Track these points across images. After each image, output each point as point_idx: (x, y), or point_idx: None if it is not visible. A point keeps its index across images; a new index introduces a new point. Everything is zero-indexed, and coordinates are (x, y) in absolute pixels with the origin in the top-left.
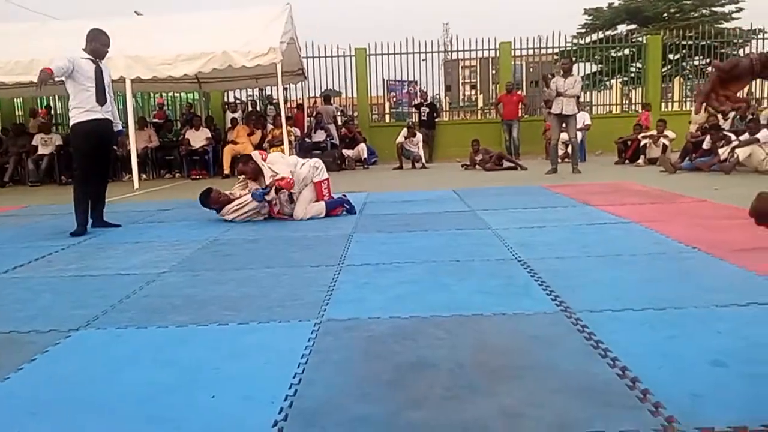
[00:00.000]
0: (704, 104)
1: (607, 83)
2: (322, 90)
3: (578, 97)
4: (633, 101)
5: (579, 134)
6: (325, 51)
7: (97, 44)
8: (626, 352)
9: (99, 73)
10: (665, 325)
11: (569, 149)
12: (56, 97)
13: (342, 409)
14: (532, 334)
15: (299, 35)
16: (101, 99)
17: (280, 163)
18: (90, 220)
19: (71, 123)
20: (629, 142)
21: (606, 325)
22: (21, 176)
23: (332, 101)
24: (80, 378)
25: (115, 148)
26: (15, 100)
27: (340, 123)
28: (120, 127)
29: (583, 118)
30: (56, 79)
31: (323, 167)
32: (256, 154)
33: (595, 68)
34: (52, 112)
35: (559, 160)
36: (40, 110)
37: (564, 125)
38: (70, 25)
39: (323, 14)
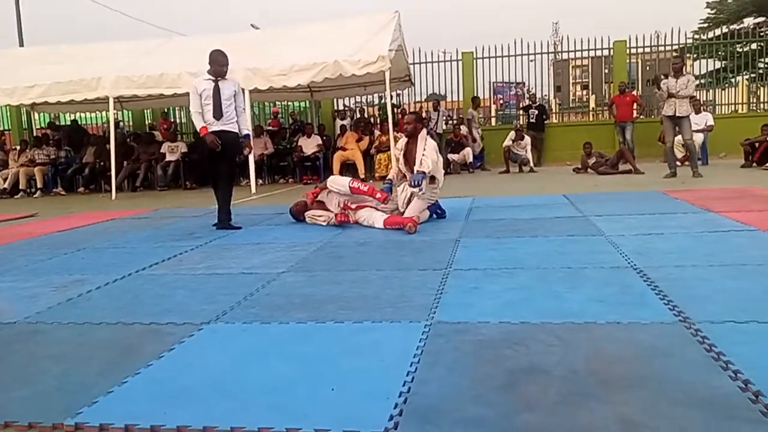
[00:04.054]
0: None
1: (733, 80)
2: (428, 94)
3: (694, 97)
4: (762, 100)
5: (701, 136)
6: (431, 56)
7: (215, 66)
8: (750, 365)
9: (216, 92)
10: None
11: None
12: (176, 108)
13: (456, 409)
14: (649, 344)
15: (406, 42)
16: (217, 114)
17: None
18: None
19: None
20: (757, 144)
21: (728, 337)
22: (150, 181)
23: (439, 106)
24: (213, 367)
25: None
26: (145, 111)
27: (446, 127)
28: (246, 132)
29: (705, 119)
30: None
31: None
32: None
33: (718, 65)
34: (176, 120)
35: (679, 164)
36: (161, 120)
37: (678, 128)
38: (193, 40)
39: (430, 20)
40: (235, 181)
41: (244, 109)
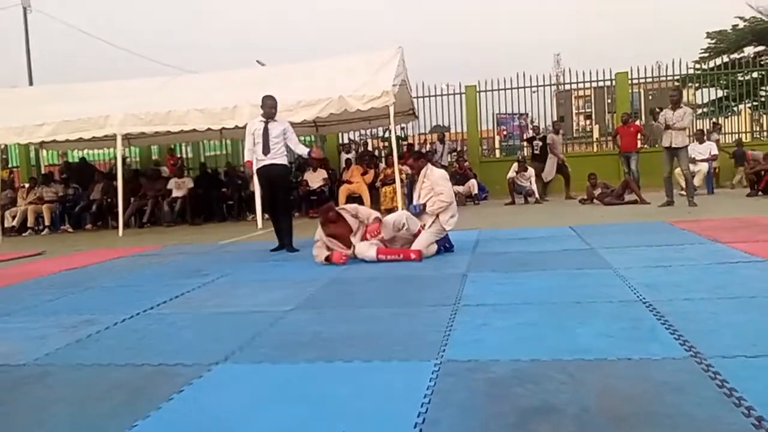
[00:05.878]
0: None
1: (735, 109)
2: (433, 126)
3: (711, 129)
4: (765, 128)
5: (705, 165)
6: (435, 90)
7: (265, 108)
8: (762, 402)
9: (266, 131)
10: None
11: (695, 181)
12: (183, 144)
13: None
14: (661, 381)
15: (410, 76)
16: (265, 151)
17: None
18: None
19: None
20: (762, 173)
21: (740, 372)
22: (157, 217)
23: (444, 138)
24: (224, 409)
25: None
26: (151, 147)
27: (450, 159)
28: (307, 150)
29: (709, 148)
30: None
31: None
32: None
33: (720, 93)
34: (183, 156)
35: (684, 194)
36: (168, 156)
37: (676, 158)
38: (199, 77)
39: (434, 55)
40: (292, 211)
41: (296, 143)
